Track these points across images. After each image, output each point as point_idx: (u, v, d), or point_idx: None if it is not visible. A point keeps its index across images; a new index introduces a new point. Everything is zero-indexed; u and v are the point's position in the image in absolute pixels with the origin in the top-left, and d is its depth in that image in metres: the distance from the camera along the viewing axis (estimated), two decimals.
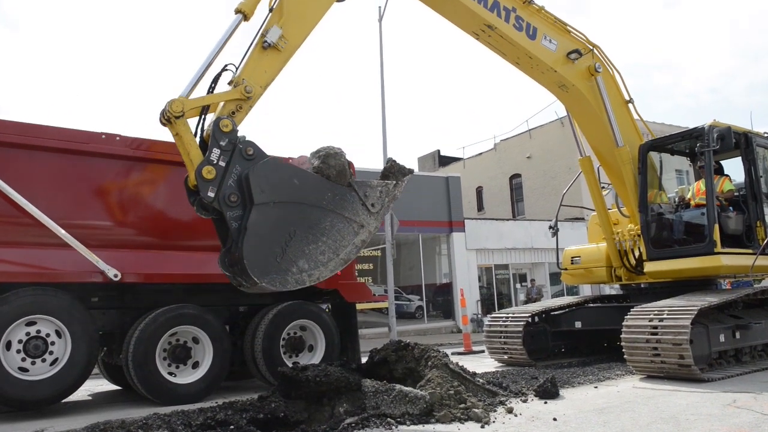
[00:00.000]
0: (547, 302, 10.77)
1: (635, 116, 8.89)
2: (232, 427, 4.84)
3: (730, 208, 8.40)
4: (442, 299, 24.13)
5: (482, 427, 4.80)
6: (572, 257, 9.98)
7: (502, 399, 5.80)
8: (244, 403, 5.55)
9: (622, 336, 7.12)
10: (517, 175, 32.10)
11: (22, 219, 6.37)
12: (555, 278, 24.52)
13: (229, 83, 5.40)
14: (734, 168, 8.87)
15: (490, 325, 9.66)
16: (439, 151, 38.12)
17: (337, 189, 5.30)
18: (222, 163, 4.99)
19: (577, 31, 8.35)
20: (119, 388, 8.50)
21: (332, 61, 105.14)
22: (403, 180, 5.69)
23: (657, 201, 8.70)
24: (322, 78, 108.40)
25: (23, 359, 6.09)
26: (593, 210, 9.85)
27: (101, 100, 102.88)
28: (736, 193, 8.55)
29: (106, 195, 7.14)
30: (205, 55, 5.44)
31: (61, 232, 6.46)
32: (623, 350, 7.14)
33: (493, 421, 4.97)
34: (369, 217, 5.42)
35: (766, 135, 8.78)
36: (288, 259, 4.98)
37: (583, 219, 21.13)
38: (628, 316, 7.22)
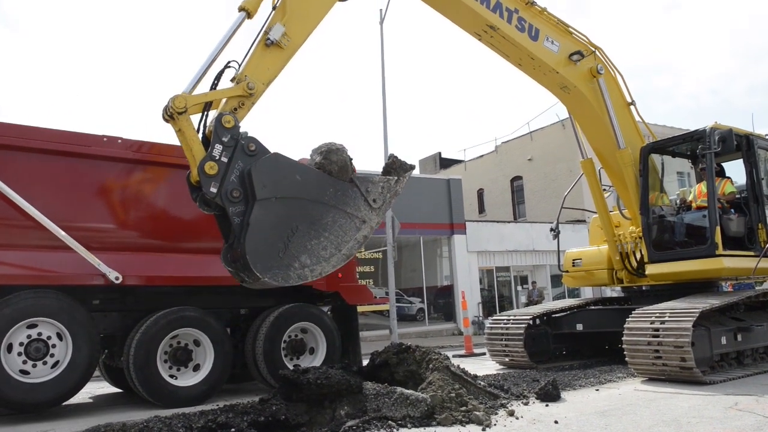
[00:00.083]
0: (549, 304, 10.75)
1: (637, 118, 8.89)
2: (233, 429, 4.84)
3: (732, 210, 8.39)
4: (443, 301, 24.12)
5: (483, 429, 4.79)
6: (573, 259, 9.97)
7: (503, 402, 5.79)
8: (245, 405, 5.55)
9: (624, 338, 7.10)
10: (518, 178, 32.11)
11: (24, 222, 6.38)
12: (556, 280, 24.53)
13: (232, 80, 5.42)
14: (736, 170, 8.88)
15: (491, 327, 9.65)
16: (440, 153, 38.19)
17: (338, 185, 5.31)
18: (224, 159, 5.00)
19: (579, 32, 8.36)
20: (120, 390, 8.49)
21: (333, 63, 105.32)
22: (404, 176, 5.69)
23: (658, 203, 8.69)
24: (324, 80, 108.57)
25: (24, 362, 6.09)
26: (594, 212, 9.85)
27: (101, 101, 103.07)
28: (737, 196, 8.53)
29: (107, 197, 7.15)
30: (208, 53, 5.47)
31: (63, 235, 6.47)
32: (625, 353, 7.13)
33: (495, 424, 4.96)
34: (371, 212, 5.42)
35: (767, 137, 8.77)
36: (290, 254, 4.99)
37: (584, 221, 21.11)
38: (630, 319, 7.21)
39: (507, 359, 9.25)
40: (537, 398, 6.02)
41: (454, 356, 10.85)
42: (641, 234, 8.60)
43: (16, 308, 6.07)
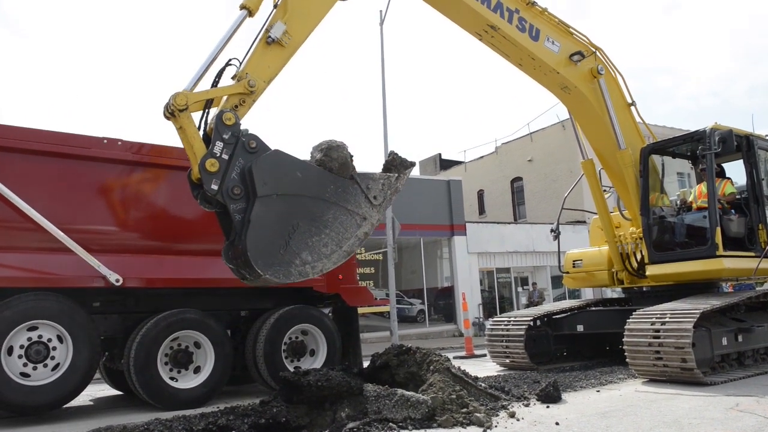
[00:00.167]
0: (549, 306, 10.75)
1: (637, 119, 8.90)
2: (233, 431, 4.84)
3: (732, 211, 8.39)
4: (443, 303, 24.11)
5: (484, 431, 4.79)
6: (574, 260, 9.97)
7: (504, 403, 5.78)
8: (245, 407, 5.54)
9: (625, 339, 7.10)
10: (519, 179, 32.11)
11: (24, 224, 6.38)
12: (557, 281, 24.53)
13: (233, 78, 5.43)
14: (736, 171, 8.88)
15: (491, 328, 9.65)
16: (440, 154, 38.19)
17: (339, 181, 5.32)
18: (225, 156, 5.01)
19: (579, 33, 8.37)
20: (121, 393, 8.49)
21: (333, 64, 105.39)
22: (405, 172, 5.70)
23: (659, 204, 8.70)
24: (324, 81, 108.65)
25: (25, 364, 6.09)
26: (595, 213, 9.85)
27: (101, 103, 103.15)
28: (737, 196, 8.54)
29: (107, 199, 7.15)
30: (209, 51, 5.49)
31: (63, 237, 6.47)
32: (625, 354, 7.13)
33: (495, 426, 4.96)
34: (371, 209, 5.43)
35: (767, 138, 8.77)
36: (291, 251, 4.99)
37: (584, 222, 21.12)
38: (630, 320, 7.21)
39: (508, 360, 9.24)
40: (538, 400, 6.01)
41: (454, 358, 10.85)
42: (642, 235, 8.61)
43: (16, 311, 6.07)
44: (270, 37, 5.52)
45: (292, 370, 6.96)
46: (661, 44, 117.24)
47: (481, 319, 22.28)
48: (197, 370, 7.09)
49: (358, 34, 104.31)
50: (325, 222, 5.18)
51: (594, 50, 8.39)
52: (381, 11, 17.39)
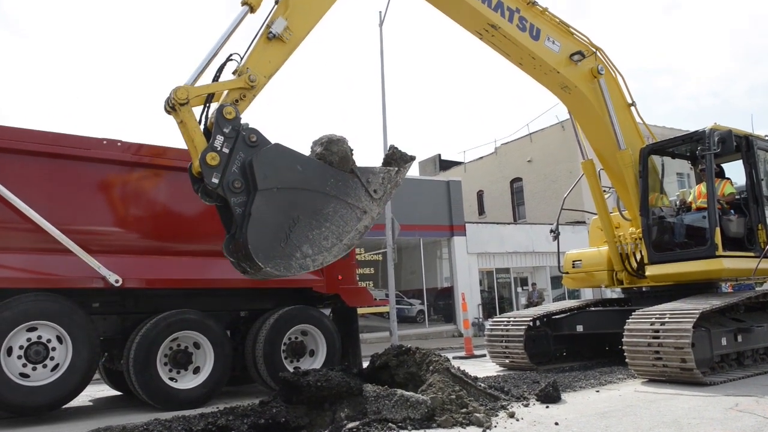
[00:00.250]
0: (549, 306, 10.74)
1: (637, 119, 8.90)
2: None
3: (732, 211, 8.39)
4: (443, 303, 24.12)
5: (483, 431, 4.79)
6: (573, 261, 9.97)
7: (503, 403, 5.78)
8: (245, 408, 5.55)
9: (624, 339, 7.10)
10: (518, 179, 32.12)
11: (24, 225, 6.39)
12: (556, 282, 24.53)
13: (234, 73, 5.46)
14: (735, 171, 8.88)
15: (491, 329, 9.65)
16: (439, 155, 38.18)
17: (339, 175, 5.33)
18: (225, 150, 5.03)
19: (580, 33, 8.39)
20: (120, 393, 8.49)
21: (333, 64, 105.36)
22: (405, 166, 5.72)
23: (658, 204, 8.70)
24: (323, 81, 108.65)
25: (24, 365, 6.09)
26: (594, 213, 9.85)
27: (101, 104, 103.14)
28: (737, 197, 8.54)
29: (107, 200, 7.16)
30: (210, 46, 5.52)
31: (62, 238, 6.47)
32: (625, 354, 7.13)
33: (495, 426, 4.96)
34: (372, 203, 5.44)
35: (767, 138, 8.77)
36: (292, 244, 5.01)
37: (584, 223, 21.13)
38: (630, 320, 7.21)
39: (507, 361, 9.24)
40: (537, 400, 6.01)
41: (454, 358, 10.85)
42: (641, 235, 8.61)
43: (16, 311, 6.07)
44: (271, 32, 5.55)
45: (291, 370, 6.96)
46: (661, 44, 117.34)
47: (480, 320, 22.28)
48: (197, 370, 7.09)
49: (358, 34, 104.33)
50: (326, 215, 5.20)
51: (594, 50, 8.40)
52: (380, 12, 17.42)
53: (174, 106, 5.10)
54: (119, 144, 7.17)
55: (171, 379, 6.90)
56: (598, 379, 7.44)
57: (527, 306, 20.38)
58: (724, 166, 9.06)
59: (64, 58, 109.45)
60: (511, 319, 9.49)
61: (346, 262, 8.52)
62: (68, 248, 6.50)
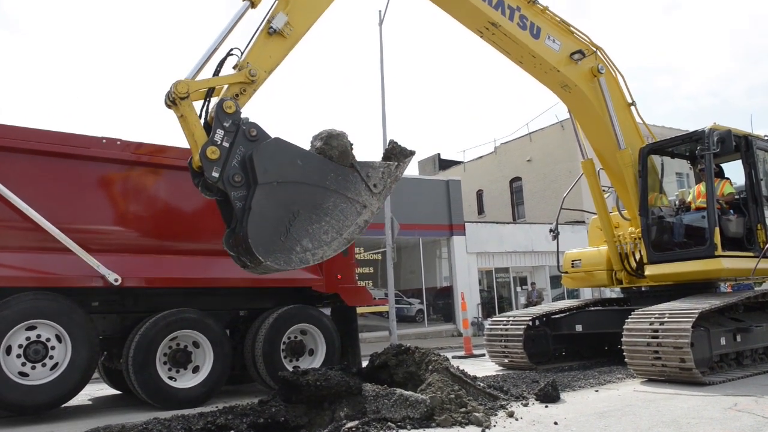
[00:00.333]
0: (548, 306, 10.75)
1: (637, 119, 8.90)
2: (232, 431, 4.84)
3: (731, 211, 8.39)
4: (442, 303, 24.12)
5: (483, 431, 4.79)
6: (573, 260, 9.97)
7: (502, 403, 5.79)
8: (244, 407, 5.54)
9: (623, 339, 7.11)
10: (518, 179, 32.12)
11: (23, 223, 6.38)
12: (555, 281, 24.53)
13: (234, 67, 5.47)
14: (735, 171, 8.88)
15: (490, 328, 9.65)
16: (439, 154, 38.17)
17: (339, 169, 5.34)
18: (226, 144, 5.04)
19: (580, 32, 8.40)
20: (119, 392, 8.49)
21: (332, 63, 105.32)
22: (404, 161, 5.72)
23: (658, 204, 8.70)
24: (322, 81, 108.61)
25: (23, 364, 6.09)
26: (594, 213, 9.85)
27: (101, 103, 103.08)
28: (736, 196, 8.54)
29: (106, 199, 7.15)
30: (211, 41, 5.53)
31: (62, 237, 6.47)
32: (624, 353, 7.13)
33: (494, 425, 4.96)
34: (371, 197, 5.46)
35: (766, 138, 8.78)
36: (292, 238, 5.02)
37: (583, 222, 21.13)
38: (629, 320, 7.21)
39: (506, 360, 9.25)
40: (536, 399, 6.01)
41: (453, 357, 10.85)
42: (640, 235, 8.61)
43: (15, 310, 6.06)
44: (272, 27, 5.56)
45: (290, 369, 6.96)
46: (661, 44, 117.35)
47: (479, 319, 22.29)
48: (196, 369, 7.09)
49: (358, 32, 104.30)
50: (326, 209, 5.21)
51: (595, 49, 8.41)
52: (380, 11, 17.41)
53: (174, 100, 5.11)
54: (119, 143, 7.16)
55: (170, 378, 6.89)
56: (597, 379, 7.44)
57: (526, 305, 20.41)
58: (724, 165, 9.06)
59: (63, 56, 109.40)
60: (511, 318, 9.49)
61: (345, 261, 8.53)
62: (67, 247, 6.49)
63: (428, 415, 5.08)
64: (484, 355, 10.92)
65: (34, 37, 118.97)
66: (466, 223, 23.94)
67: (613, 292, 15.25)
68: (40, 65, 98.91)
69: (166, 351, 6.91)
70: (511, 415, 5.28)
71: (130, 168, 7.27)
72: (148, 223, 7.32)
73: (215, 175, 4.96)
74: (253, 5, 5.66)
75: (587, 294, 21.55)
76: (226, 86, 5.35)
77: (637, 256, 9.00)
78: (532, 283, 23.62)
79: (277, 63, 5.67)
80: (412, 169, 36.87)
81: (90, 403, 7.97)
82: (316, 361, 7.87)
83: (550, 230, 10.49)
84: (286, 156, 5.16)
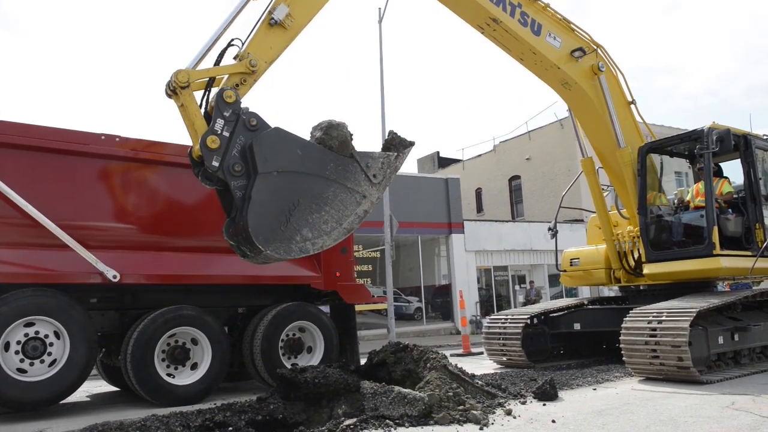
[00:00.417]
0: (546, 304, 10.77)
1: (637, 118, 8.90)
2: (230, 428, 4.84)
3: (729, 210, 8.40)
4: (441, 301, 24.12)
5: (481, 428, 4.80)
6: (571, 259, 9.98)
7: (500, 401, 5.80)
8: (242, 404, 5.55)
9: (621, 338, 7.12)
10: (517, 177, 32.11)
11: (22, 220, 6.37)
12: (554, 280, 24.53)
13: (235, 58, 5.48)
14: (733, 170, 8.89)
15: (489, 326, 9.66)
16: (438, 152, 38.13)
17: (339, 159, 5.35)
18: (226, 134, 5.05)
19: (581, 30, 8.40)
20: (118, 389, 8.49)
21: (332, 60, 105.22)
22: (404, 151, 5.73)
23: (656, 203, 8.71)
24: (321, 78, 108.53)
25: (21, 360, 6.08)
26: (592, 212, 9.86)
27: (101, 104, 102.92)
28: (735, 195, 8.55)
29: (105, 196, 7.14)
30: (212, 32, 5.54)
31: (60, 233, 6.46)
32: (622, 352, 7.14)
33: (492, 423, 4.97)
34: (371, 187, 5.47)
35: (765, 137, 8.78)
36: (292, 227, 5.03)
37: (582, 221, 21.13)
38: (627, 318, 7.22)
39: (504, 358, 9.25)
40: (534, 397, 6.02)
41: (451, 355, 10.86)
42: (639, 233, 8.62)
43: (13, 306, 6.05)
44: (273, 18, 5.58)
45: (289, 367, 6.96)
46: (661, 44, 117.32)
47: (478, 317, 22.30)
48: (194, 366, 7.09)
49: (357, 29, 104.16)
50: (325, 199, 5.23)
51: (595, 47, 8.42)
52: (380, 8, 17.38)
53: (175, 89, 5.13)
54: (117, 139, 7.15)
55: (168, 375, 6.89)
56: (595, 377, 7.45)
57: (525, 304, 20.43)
58: (722, 165, 9.07)
59: (63, 56, 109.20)
60: (509, 316, 9.50)
61: (344, 258, 8.53)
62: (66, 243, 6.48)
63: (426, 413, 5.09)
64: (482, 353, 10.93)
65: (34, 36, 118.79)
66: (464, 222, 23.93)
67: (611, 291, 15.27)
68: (40, 65, 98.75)
69: (164, 348, 6.91)
70: (509, 413, 5.29)
71: (129, 164, 7.25)
72: (146, 220, 7.31)
73: (215, 164, 4.97)
74: None
75: (585, 292, 21.56)
76: (226, 76, 5.36)
77: (636, 255, 9.02)
78: (531, 282, 23.64)
79: (277, 54, 5.69)
80: (411, 167, 36.89)
81: (88, 399, 7.97)
82: (315, 359, 7.88)
83: (549, 229, 10.50)
84: (286, 146, 5.17)
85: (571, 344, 9.89)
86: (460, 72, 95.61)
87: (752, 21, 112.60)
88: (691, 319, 6.64)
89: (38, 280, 6.40)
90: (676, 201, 8.98)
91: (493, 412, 5.34)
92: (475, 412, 5.10)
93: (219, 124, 5.03)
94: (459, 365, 6.29)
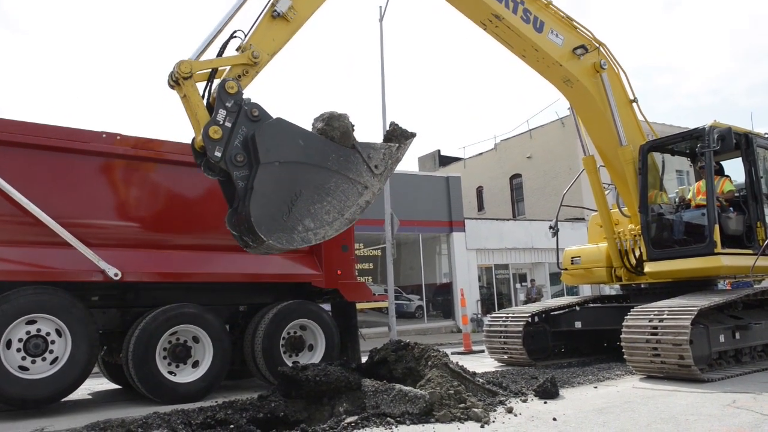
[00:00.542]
0: (547, 302, 10.76)
1: (639, 117, 8.90)
2: (232, 426, 4.85)
3: (731, 208, 8.39)
4: (442, 299, 24.13)
5: (482, 426, 4.80)
6: (572, 257, 9.98)
7: (501, 399, 5.80)
8: (244, 402, 5.55)
9: (622, 336, 7.12)
10: (518, 175, 32.09)
11: (23, 218, 6.38)
12: (555, 278, 24.52)
13: (237, 49, 5.49)
14: (735, 169, 8.88)
15: (490, 325, 9.66)
16: (439, 150, 38.12)
17: (341, 150, 5.36)
18: (228, 124, 5.05)
19: (583, 27, 8.40)
20: (119, 387, 8.50)
21: (333, 58, 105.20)
22: (405, 142, 5.74)
23: (658, 201, 8.70)
24: (322, 76, 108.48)
25: (23, 358, 6.10)
26: (593, 210, 9.85)
27: (101, 103, 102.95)
28: (736, 194, 8.54)
29: (106, 194, 7.14)
30: (215, 24, 5.55)
31: (62, 231, 6.47)
32: (623, 350, 7.14)
33: (493, 421, 4.97)
34: (373, 178, 5.47)
35: (766, 136, 8.77)
36: (294, 217, 5.04)
37: (583, 219, 21.12)
38: (628, 317, 7.22)
39: (506, 357, 9.26)
40: (535, 395, 6.02)
41: (452, 353, 10.84)
42: (640, 232, 8.62)
43: (15, 304, 6.07)
44: (276, 11, 5.60)
45: (290, 365, 6.96)
46: (661, 44, 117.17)
47: (479, 316, 22.29)
48: (196, 364, 7.10)
49: (358, 28, 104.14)
50: (327, 190, 5.23)
51: (597, 45, 8.41)
52: (381, 7, 17.36)
53: (177, 80, 5.15)
54: (118, 137, 7.15)
55: (170, 372, 6.90)
56: (596, 376, 7.46)
57: (526, 302, 20.43)
58: (724, 163, 9.06)
59: (63, 55, 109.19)
60: (510, 315, 9.50)
61: (345, 257, 8.54)
62: (67, 241, 6.49)
63: (427, 411, 5.09)
64: (483, 351, 10.93)
65: (34, 35, 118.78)
66: (465, 220, 23.93)
67: (612, 289, 15.27)
68: (40, 64, 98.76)
69: (165, 346, 6.92)
70: (510, 411, 5.29)
71: (130, 163, 7.25)
72: (148, 218, 7.32)
73: (218, 154, 4.98)
74: None
75: (586, 291, 21.56)
76: (228, 68, 5.38)
77: (637, 253, 9.01)
78: (532, 280, 23.63)
79: (279, 46, 5.70)
80: (412, 166, 36.88)
81: (90, 397, 7.99)
82: (316, 357, 7.88)
83: (550, 227, 10.50)
84: (288, 136, 5.18)
85: (572, 342, 9.89)
86: (461, 70, 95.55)
87: (752, 21, 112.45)
88: (693, 317, 6.63)
89: (40, 278, 6.41)
90: (677, 199, 8.97)
91: (494, 410, 5.34)
92: (476, 410, 5.10)
93: (221, 114, 5.04)
94: (460, 363, 6.30)
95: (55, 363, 6.25)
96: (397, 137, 5.75)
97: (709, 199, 7.95)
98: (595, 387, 6.70)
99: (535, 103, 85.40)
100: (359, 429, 4.78)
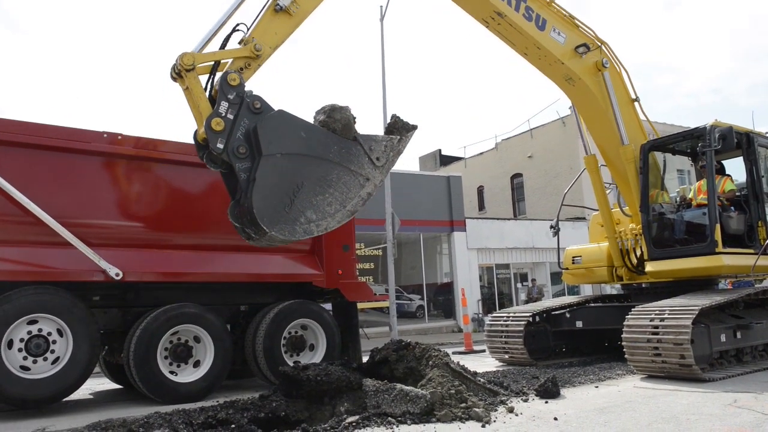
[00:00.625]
0: (548, 302, 10.76)
1: (641, 116, 8.89)
2: (233, 425, 4.85)
3: (732, 208, 8.39)
4: (443, 299, 24.12)
5: (483, 426, 4.80)
6: (573, 257, 9.97)
7: (503, 398, 5.80)
8: (245, 402, 5.56)
9: (623, 336, 7.11)
10: (519, 175, 32.08)
11: (24, 218, 6.38)
12: (556, 278, 24.51)
13: (240, 42, 5.51)
14: (736, 168, 8.88)
15: (491, 324, 9.66)
16: (440, 150, 38.12)
17: (342, 142, 5.38)
18: (230, 116, 5.07)
19: (585, 26, 8.39)
20: (120, 386, 8.51)
21: (334, 57, 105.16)
22: (407, 135, 5.75)
23: (659, 201, 8.70)
24: (322, 76, 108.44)
25: (25, 358, 6.10)
26: (594, 210, 9.84)
27: (101, 104, 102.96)
28: (737, 193, 8.54)
29: (107, 194, 7.14)
30: (218, 17, 5.58)
31: (63, 231, 6.47)
32: (624, 350, 7.14)
33: (494, 421, 4.97)
34: (374, 170, 5.49)
35: (767, 135, 8.77)
36: (296, 209, 5.05)
37: (584, 219, 21.12)
38: (629, 316, 7.22)
39: (507, 356, 9.26)
40: (536, 395, 6.02)
41: (453, 353, 10.86)
42: (641, 231, 8.61)
43: (16, 304, 6.07)
44: (278, 4, 5.63)
45: (291, 364, 6.96)
46: (662, 42, 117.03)
47: (480, 315, 22.28)
48: (197, 364, 7.10)
49: (359, 27, 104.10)
50: (329, 182, 5.25)
51: (599, 44, 8.41)
52: (381, 6, 17.35)
53: (180, 72, 5.17)
54: (120, 137, 7.16)
55: (171, 372, 6.90)
56: (597, 375, 7.45)
57: (527, 302, 20.41)
58: (725, 162, 9.06)
59: (63, 54, 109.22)
60: (511, 314, 9.50)
61: (346, 256, 8.54)
62: (69, 241, 6.50)
63: (428, 410, 5.09)
64: (484, 350, 10.93)
65: (34, 35, 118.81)
66: (466, 219, 23.92)
67: (613, 289, 15.25)
68: (40, 63, 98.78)
69: (167, 345, 6.93)
70: (511, 410, 5.29)
71: (131, 162, 7.26)
72: (149, 218, 7.32)
73: (220, 146, 4.99)
74: None
75: (587, 290, 21.55)
76: (230, 60, 5.40)
77: (638, 253, 9.00)
78: (533, 280, 23.61)
79: (282, 40, 5.72)
80: (412, 165, 36.85)
81: (91, 397, 7.99)
82: (317, 356, 7.89)
83: (551, 226, 10.49)
84: (290, 128, 5.19)
85: (573, 342, 9.89)
86: (462, 70, 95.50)
87: (752, 21, 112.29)
88: (694, 316, 6.63)
89: (41, 277, 6.42)
90: (678, 199, 8.96)
91: (495, 410, 5.34)
92: (477, 409, 5.10)
93: (223, 106, 5.06)
94: (461, 363, 6.29)
95: (56, 363, 6.26)
96: (399, 130, 5.77)
97: (710, 198, 7.94)
98: (596, 386, 6.70)
99: (536, 103, 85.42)
100: (360, 429, 4.78)
